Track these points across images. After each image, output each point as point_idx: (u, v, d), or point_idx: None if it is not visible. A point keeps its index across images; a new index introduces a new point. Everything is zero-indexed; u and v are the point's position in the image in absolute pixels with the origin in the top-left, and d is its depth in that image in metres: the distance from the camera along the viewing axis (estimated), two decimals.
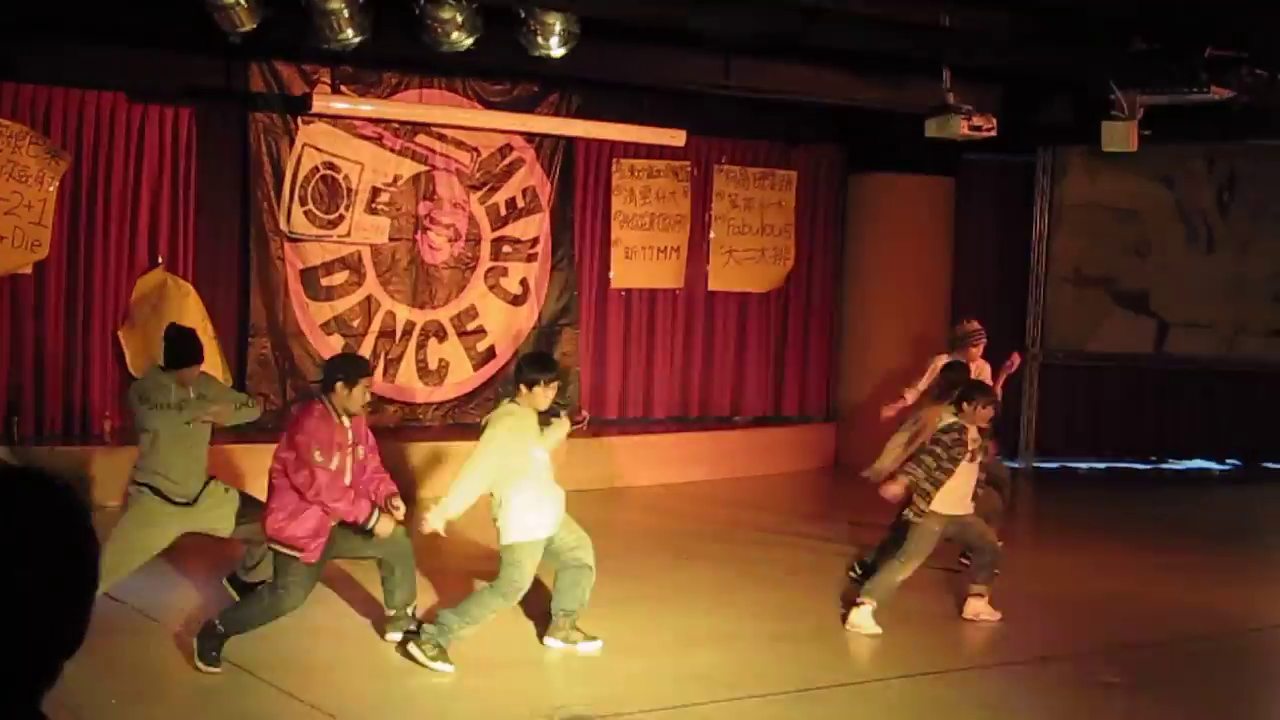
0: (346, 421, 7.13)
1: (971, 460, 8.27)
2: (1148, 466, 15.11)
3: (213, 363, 10.83)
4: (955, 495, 8.27)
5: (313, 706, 6.56)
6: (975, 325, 10.20)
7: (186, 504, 7.42)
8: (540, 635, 7.64)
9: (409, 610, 7.43)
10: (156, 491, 7.33)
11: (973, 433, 8.26)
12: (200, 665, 6.86)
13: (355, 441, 7.19)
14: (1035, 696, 7.34)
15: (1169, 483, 14.66)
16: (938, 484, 8.16)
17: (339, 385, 7.05)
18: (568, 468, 11.33)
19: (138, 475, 7.40)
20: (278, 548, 6.99)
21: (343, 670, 7.22)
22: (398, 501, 7.26)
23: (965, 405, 8.25)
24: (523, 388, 7.17)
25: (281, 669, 7.01)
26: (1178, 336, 14.39)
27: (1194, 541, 11.38)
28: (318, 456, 6.89)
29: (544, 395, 7.17)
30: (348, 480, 7.14)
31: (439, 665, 7.07)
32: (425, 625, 7.18)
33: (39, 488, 1.70)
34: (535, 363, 7.53)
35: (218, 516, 7.57)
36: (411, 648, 7.14)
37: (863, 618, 8.15)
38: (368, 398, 7.22)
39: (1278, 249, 14.13)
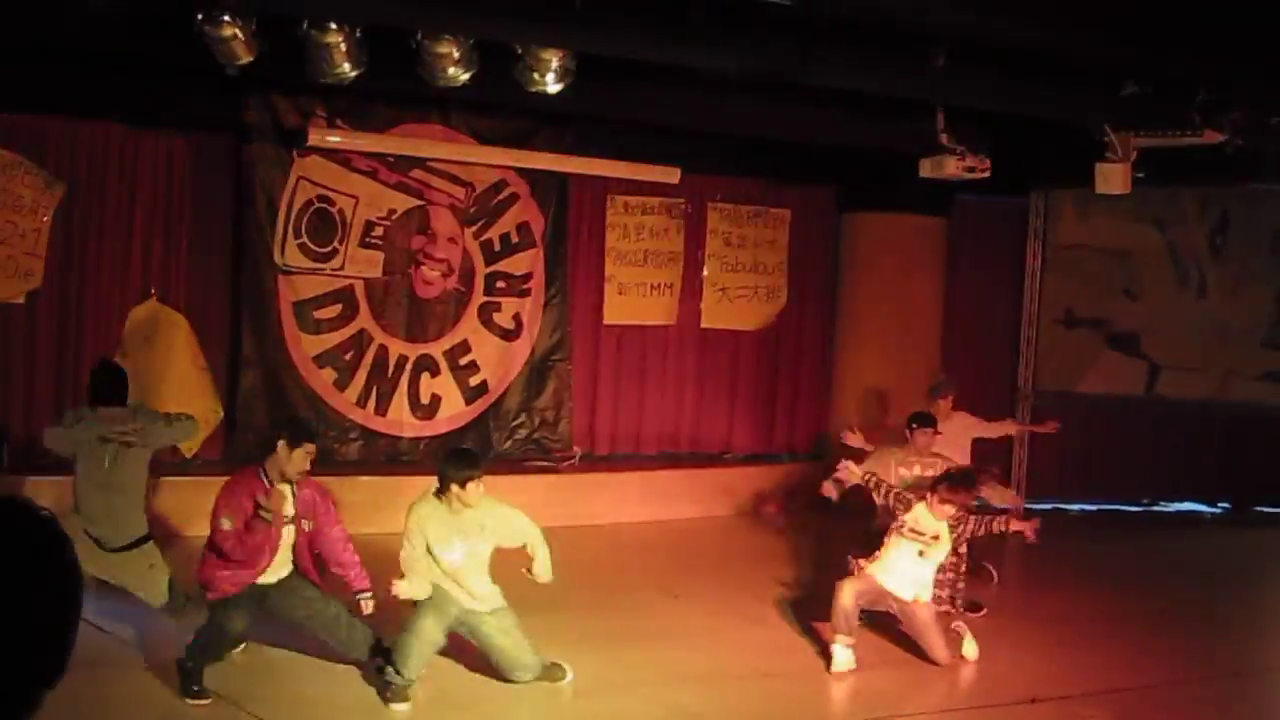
0: (287, 490, 7.06)
1: (921, 555, 8.29)
2: (1139, 508, 15.09)
3: (204, 393, 10.84)
4: (895, 575, 8.30)
5: None
6: (943, 377, 10.87)
7: (110, 549, 7.43)
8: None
9: (369, 649, 7.30)
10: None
11: (923, 519, 8.28)
12: (186, 700, 6.85)
13: (299, 514, 7.12)
14: None
15: (1160, 525, 14.62)
16: (907, 505, 8.27)
17: (280, 444, 7.02)
18: (556, 503, 11.36)
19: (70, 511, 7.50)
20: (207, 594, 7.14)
21: (328, 705, 7.18)
22: (365, 599, 7.22)
23: (934, 489, 8.29)
24: (454, 488, 7.00)
25: (267, 703, 6.97)
26: (1169, 379, 14.39)
27: (1184, 584, 11.37)
28: (225, 524, 6.92)
29: (475, 491, 7.04)
30: (279, 549, 7.08)
31: (396, 707, 7.01)
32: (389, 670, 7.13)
33: (21, 517, 1.69)
34: (461, 460, 7.28)
35: (140, 581, 7.57)
36: (390, 707, 7.08)
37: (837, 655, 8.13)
38: (307, 465, 7.07)
39: (1269, 293, 14.14)
